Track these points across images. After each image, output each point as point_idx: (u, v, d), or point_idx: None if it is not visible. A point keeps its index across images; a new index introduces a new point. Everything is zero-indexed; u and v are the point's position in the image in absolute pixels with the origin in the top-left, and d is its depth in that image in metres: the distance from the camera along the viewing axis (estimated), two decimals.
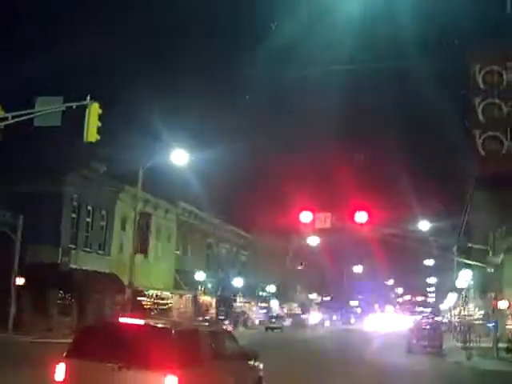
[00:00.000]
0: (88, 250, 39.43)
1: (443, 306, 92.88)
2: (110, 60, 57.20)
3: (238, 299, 60.50)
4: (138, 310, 40.17)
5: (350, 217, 34.80)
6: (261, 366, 13.25)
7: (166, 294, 45.71)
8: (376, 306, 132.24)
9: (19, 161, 34.36)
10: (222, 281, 59.26)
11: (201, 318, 46.11)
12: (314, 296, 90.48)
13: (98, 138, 18.82)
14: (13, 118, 19.56)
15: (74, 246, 37.83)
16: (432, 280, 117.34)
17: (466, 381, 24.28)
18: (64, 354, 9.58)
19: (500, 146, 12.82)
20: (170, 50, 66.36)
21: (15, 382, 15.17)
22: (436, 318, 75.23)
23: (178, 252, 52.32)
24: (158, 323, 10.42)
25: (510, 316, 36.99)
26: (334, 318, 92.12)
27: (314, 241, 63.24)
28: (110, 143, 41.52)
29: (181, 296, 51.05)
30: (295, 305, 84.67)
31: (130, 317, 10.54)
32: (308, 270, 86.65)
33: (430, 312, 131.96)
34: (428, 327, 40.05)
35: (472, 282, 43.07)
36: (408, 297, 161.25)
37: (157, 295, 44.19)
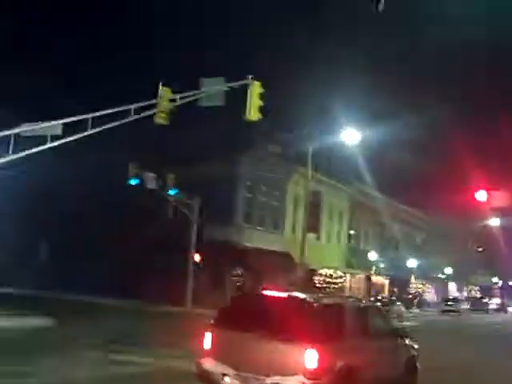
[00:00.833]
0: (262, 228, 40.39)
1: None
2: (273, 39, 57.65)
3: (411, 280, 59.05)
4: (311, 288, 40.63)
5: None
6: (415, 345, 12.85)
7: (338, 273, 45.71)
8: None
9: (195, 143, 35.68)
10: (396, 261, 58.13)
11: (373, 299, 45.68)
12: (495, 280, 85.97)
13: (260, 116, 19.01)
14: (180, 99, 20.25)
15: (248, 225, 38.93)
16: None
17: None
18: (211, 324, 10.04)
19: None
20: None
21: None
22: None
23: (351, 232, 52.07)
24: (301, 297, 10.46)
25: None
26: None
27: (495, 222, 60.15)
28: (284, 124, 42.35)
29: (353, 275, 50.83)
30: (476, 288, 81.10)
31: (275, 290, 10.67)
32: (489, 253, 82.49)
33: None
34: None
35: None
36: None
37: (329, 274, 44.35)
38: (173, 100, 20.22)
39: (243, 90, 19.74)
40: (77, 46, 47.46)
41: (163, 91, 20.14)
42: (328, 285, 44.35)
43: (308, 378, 9.02)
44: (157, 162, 32.81)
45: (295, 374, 9.05)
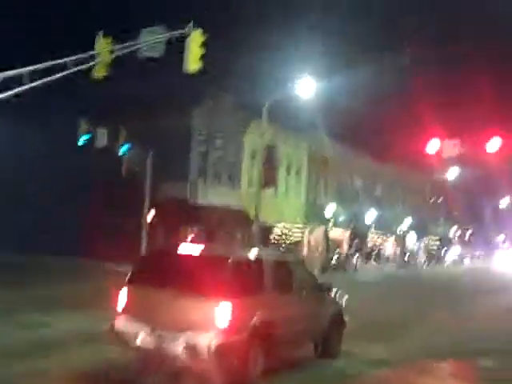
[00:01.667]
0: (217, 184, 39.98)
1: None
2: None
3: (370, 233, 59.48)
4: (267, 243, 40.64)
5: (481, 143, 32.53)
6: (344, 299, 12.94)
7: (296, 228, 45.75)
8: None
9: (145, 97, 34.82)
10: (355, 214, 58.39)
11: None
12: (454, 230, 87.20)
13: (201, 66, 18.42)
14: (119, 50, 19.42)
15: (203, 181, 38.45)
16: None
17: None
18: (126, 281, 9.84)
19: None
20: None
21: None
22: None
23: (309, 185, 51.99)
24: (216, 252, 10.31)
25: None
26: (477, 253, 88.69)
27: (453, 172, 60.61)
28: (237, 73, 41.49)
29: (312, 230, 50.98)
30: (435, 238, 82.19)
31: (192, 244, 10.55)
32: (448, 203, 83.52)
33: None
34: None
35: None
36: None
37: (286, 229, 44.34)
38: (112, 52, 19.43)
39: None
40: None
41: (101, 42, 19.34)
42: (285, 240, 44.38)
43: (221, 334, 8.89)
44: (107, 119, 32.05)
45: (209, 329, 8.91)
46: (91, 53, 19.63)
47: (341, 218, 54.39)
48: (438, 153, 33.76)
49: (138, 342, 9.32)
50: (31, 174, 36.27)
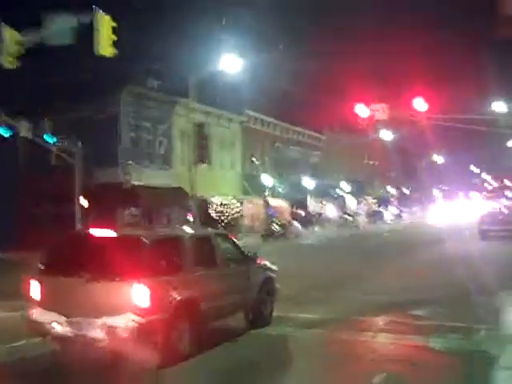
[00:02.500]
0: (150, 166, 39.77)
1: None
2: None
3: (310, 200, 60.16)
4: (206, 218, 40.71)
5: (408, 105, 33.38)
6: (273, 267, 12.93)
7: (234, 201, 45.92)
8: (461, 194, 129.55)
9: (69, 85, 34.26)
10: (294, 183, 58.93)
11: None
12: (390, 189, 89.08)
13: (114, 52, 18.08)
14: (24, 36, 18.73)
15: (136, 164, 38.18)
16: None
17: None
18: (36, 271, 9.63)
19: None
20: None
21: None
22: None
23: (244, 158, 52.19)
24: (129, 232, 10.23)
25: None
26: (415, 209, 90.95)
27: (386, 135, 61.58)
28: (161, 57, 41.21)
29: (251, 202, 51.23)
30: (373, 200, 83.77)
31: (103, 227, 10.27)
32: (385, 164, 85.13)
33: None
34: (504, 212, 39.29)
35: None
36: (495, 182, 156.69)
37: (223, 203, 44.46)
38: (18, 41, 18.77)
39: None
40: None
41: (6, 31, 18.67)
42: (224, 213, 44.51)
43: (139, 315, 8.79)
44: (31, 110, 31.33)
45: (126, 311, 8.81)
46: None
47: (279, 188, 54.80)
48: (370, 116, 34.26)
49: (56, 331, 9.15)
50: None
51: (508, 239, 33.40)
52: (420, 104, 32.25)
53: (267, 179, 51.52)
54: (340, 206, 70.16)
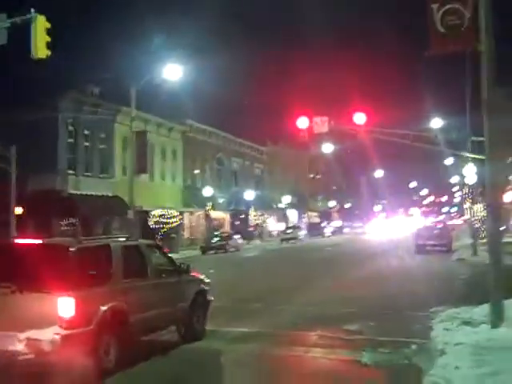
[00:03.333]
0: (89, 174, 39.11)
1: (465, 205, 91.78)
2: None
3: (251, 213, 60.18)
4: (145, 230, 40.21)
5: (349, 119, 33.73)
6: (206, 280, 12.79)
7: (173, 212, 45.46)
8: (401, 209, 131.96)
9: (1, 88, 33.45)
10: (235, 195, 58.89)
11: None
12: (332, 204, 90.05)
13: (49, 53, 17.66)
14: None
15: (73, 172, 37.51)
16: (454, 179, 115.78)
17: (462, 272, 24.70)
18: None
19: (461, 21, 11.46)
20: None
21: None
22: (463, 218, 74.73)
23: (187, 169, 51.84)
24: (55, 242, 9.92)
25: None
26: (356, 224, 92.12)
27: (328, 148, 62.09)
28: (103, 64, 40.72)
29: (191, 213, 50.90)
30: (315, 214, 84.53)
31: (28, 237, 10.02)
32: (327, 178, 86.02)
33: (456, 211, 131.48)
34: (438, 227, 40.28)
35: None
36: (431, 198, 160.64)
37: (163, 214, 43.95)
38: None
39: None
40: None
41: None
42: (163, 225, 44.00)
43: (64, 328, 8.48)
44: None
45: (51, 324, 8.48)
46: None
47: (221, 200, 54.65)
48: (309, 128, 34.45)
49: None
50: None
51: (443, 253, 34.18)
52: (360, 118, 32.67)
53: (208, 191, 51.29)
54: (282, 219, 70.48)
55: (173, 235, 43.78)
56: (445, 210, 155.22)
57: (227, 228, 56.24)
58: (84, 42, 33.67)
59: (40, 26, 17.23)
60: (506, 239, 34.92)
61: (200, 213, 52.05)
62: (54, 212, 35.04)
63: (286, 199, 71.26)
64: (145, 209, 41.06)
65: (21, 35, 18.49)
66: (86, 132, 39.06)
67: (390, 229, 78.37)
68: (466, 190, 46.49)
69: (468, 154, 35.53)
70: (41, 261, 8.86)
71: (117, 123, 41.43)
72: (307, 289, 20.33)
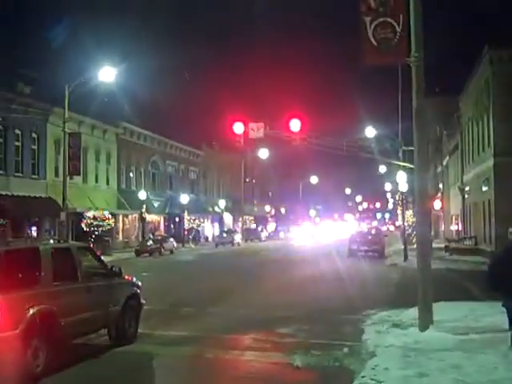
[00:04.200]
0: (20, 175, 38.11)
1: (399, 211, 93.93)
2: None
3: (186, 216, 59.83)
4: (78, 232, 39.53)
5: (284, 126, 34.07)
6: (138, 282, 12.71)
7: (107, 214, 44.76)
8: (335, 215, 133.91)
9: None
10: (171, 199, 58.53)
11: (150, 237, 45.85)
12: (268, 209, 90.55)
13: None
14: None
15: (3, 172, 36.51)
16: (388, 186, 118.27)
17: (393, 277, 25.44)
18: None
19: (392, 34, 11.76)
20: None
21: None
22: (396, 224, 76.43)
23: (119, 172, 51.22)
24: None
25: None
26: (291, 229, 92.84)
27: (263, 154, 62.48)
28: (35, 63, 39.87)
29: (126, 216, 50.30)
30: (251, 218, 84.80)
31: None
32: (262, 183, 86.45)
33: (389, 218, 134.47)
34: (372, 233, 41.10)
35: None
36: (366, 204, 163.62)
37: (97, 217, 43.21)
38: None
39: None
40: None
41: None
42: (97, 227, 43.24)
43: None
44: None
45: None
46: None
47: (156, 203, 54.22)
48: (245, 134, 34.62)
49: None
50: None
51: (375, 258, 34.88)
52: (296, 125, 33.02)
53: (143, 194, 50.80)
54: (217, 222, 70.40)
55: (106, 238, 43.12)
56: (379, 216, 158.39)
57: (162, 231, 55.77)
58: (15, 39, 32.78)
59: None
60: (435, 245, 36.48)
61: (135, 215, 51.46)
62: None
63: (222, 203, 71.26)
64: (78, 211, 40.32)
65: None
66: (17, 131, 38.01)
67: (325, 234, 79.34)
68: (398, 196, 47.65)
69: (399, 163, 36.51)
70: None
71: (49, 124, 40.58)
72: (242, 292, 20.35)
